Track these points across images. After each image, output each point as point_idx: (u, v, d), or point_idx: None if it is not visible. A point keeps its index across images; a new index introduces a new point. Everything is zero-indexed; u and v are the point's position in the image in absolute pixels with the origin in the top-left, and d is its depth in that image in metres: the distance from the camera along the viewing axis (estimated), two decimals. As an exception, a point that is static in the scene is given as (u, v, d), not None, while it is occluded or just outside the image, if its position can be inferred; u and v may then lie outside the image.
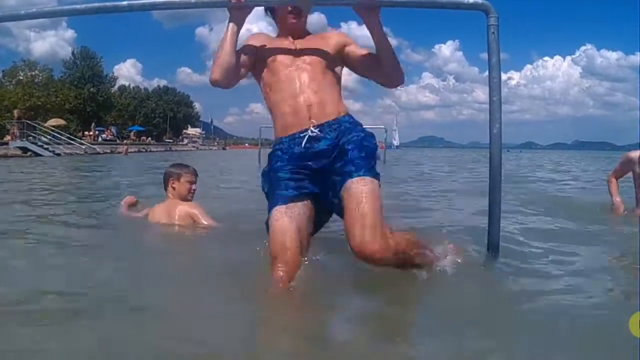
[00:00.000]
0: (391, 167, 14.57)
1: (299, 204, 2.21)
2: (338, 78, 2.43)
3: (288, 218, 2.15)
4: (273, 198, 2.24)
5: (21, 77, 45.26)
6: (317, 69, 2.31)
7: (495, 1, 2.34)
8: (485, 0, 2.35)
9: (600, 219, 4.30)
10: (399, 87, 2.52)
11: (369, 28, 2.28)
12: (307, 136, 2.22)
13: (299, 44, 2.37)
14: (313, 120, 2.24)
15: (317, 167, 2.24)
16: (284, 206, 2.18)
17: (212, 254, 2.97)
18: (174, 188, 3.66)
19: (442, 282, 2.24)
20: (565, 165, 20.52)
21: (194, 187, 3.72)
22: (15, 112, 30.19)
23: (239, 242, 3.01)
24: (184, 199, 3.67)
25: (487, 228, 2.50)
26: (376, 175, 2.23)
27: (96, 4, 2.57)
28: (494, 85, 2.38)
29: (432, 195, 6.94)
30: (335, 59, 2.40)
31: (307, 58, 2.32)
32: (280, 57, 2.33)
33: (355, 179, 2.15)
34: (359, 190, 2.13)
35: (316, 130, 2.23)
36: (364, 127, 2.39)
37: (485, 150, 2.50)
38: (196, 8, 2.35)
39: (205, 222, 3.53)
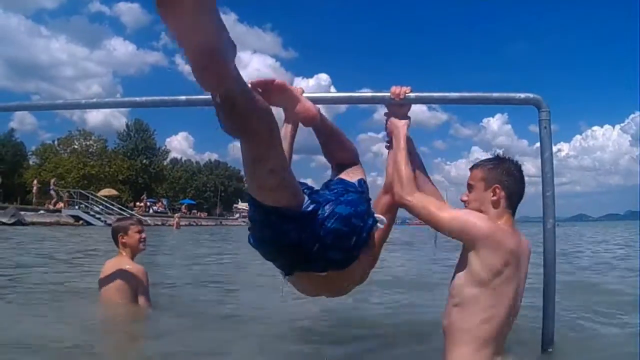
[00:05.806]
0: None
1: None
2: None
3: None
4: None
5: (76, 146, 47.68)
6: None
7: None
8: (537, 95, 2.35)
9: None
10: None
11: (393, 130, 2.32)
12: None
13: None
14: None
15: None
16: None
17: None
18: (124, 243, 3.55)
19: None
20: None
21: (143, 235, 3.62)
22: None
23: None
24: (137, 249, 3.58)
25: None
26: None
27: (157, 98, 2.70)
28: (548, 180, 2.32)
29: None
30: None
31: None
32: None
33: None
34: None
35: None
36: None
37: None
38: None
39: (140, 301, 3.44)
